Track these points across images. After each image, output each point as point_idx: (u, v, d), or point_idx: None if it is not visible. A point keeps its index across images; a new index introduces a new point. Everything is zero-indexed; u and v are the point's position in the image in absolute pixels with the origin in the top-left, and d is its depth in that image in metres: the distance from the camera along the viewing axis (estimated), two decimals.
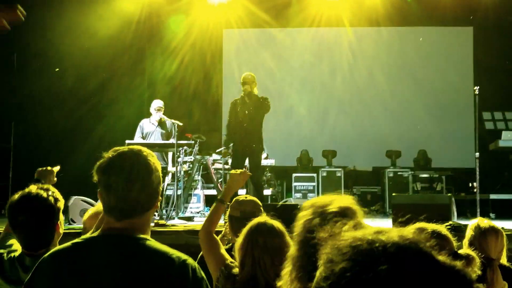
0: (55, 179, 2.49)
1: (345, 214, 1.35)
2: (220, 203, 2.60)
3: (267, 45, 10.74)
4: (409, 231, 0.60)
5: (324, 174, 9.00)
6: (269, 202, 7.48)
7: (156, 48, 10.23)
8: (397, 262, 0.55)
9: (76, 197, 5.83)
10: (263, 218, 2.17)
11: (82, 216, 5.74)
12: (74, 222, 5.70)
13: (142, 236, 1.39)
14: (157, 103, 7.10)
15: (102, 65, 8.87)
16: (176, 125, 6.64)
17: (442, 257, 0.57)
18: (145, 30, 9.90)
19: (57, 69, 8.44)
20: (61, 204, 2.08)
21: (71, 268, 1.34)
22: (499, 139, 8.51)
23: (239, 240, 2.12)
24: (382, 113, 10.36)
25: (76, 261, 1.35)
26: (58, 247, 1.43)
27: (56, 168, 2.52)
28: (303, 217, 1.39)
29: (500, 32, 9.85)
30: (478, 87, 6.36)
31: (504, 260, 2.55)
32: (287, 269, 1.35)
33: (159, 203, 1.49)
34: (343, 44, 10.48)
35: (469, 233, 2.63)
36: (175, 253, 1.38)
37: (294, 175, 9.05)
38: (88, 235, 1.50)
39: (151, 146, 6.46)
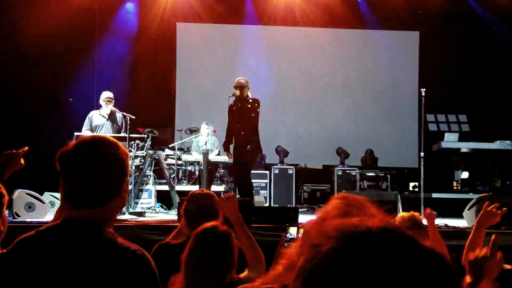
0: (23, 161, 2.37)
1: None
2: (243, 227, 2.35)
3: (222, 41, 10.72)
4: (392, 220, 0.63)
5: (276, 171, 9.11)
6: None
7: (108, 38, 9.95)
8: (382, 242, 0.58)
9: (20, 190, 5.59)
10: (211, 223, 2.07)
11: (27, 210, 5.53)
12: (19, 216, 5.47)
13: (100, 226, 1.38)
14: (106, 95, 6.89)
15: (52, 54, 8.55)
16: (128, 118, 6.51)
17: (424, 242, 0.60)
18: (97, 18, 9.63)
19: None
20: (5, 200, 2.00)
21: (33, 257, 1.36)
22: (441, 140, 8.94)
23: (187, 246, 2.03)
24: (334, 113, 10.60)
25: (37, 249, 1.37)
26: (24, 235, 1.41)
27: (24, 150, 2.39)
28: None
29: (444, 37, 10.33)
30: (425, 89, 6.60)
31: None
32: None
33: (126, 194, 1.47)
34: (298, 43, 10.64)
35: None
36: (128, 244, 1.38)
37: None
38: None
39: None
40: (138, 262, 1.35)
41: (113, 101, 6.86)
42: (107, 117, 6.89)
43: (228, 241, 1.98)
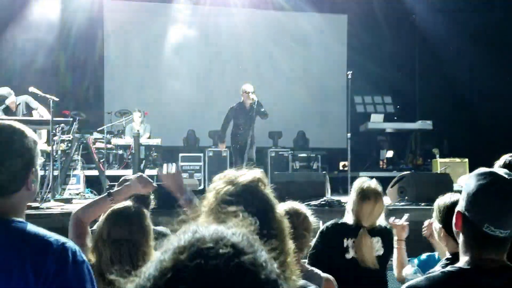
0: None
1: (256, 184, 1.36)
2: (108, 199, 2.17)
3: (150, 19, 10.42)
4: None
5: (210, 154, 9.09)
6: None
7: (27, 16, 9.32)
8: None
9: None
10: (124, 203, 2.01)
11: None
12: None
13: (13, 218, 1.32)
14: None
15: None
16: (51, 100, 6.19)
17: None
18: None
19: None
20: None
21: None
22: (368, 121, 9.33)
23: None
24: (266, 95, 10.68)
25: None
26: None
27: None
28: (215, 187, 1.37)
29: (371, 21, 10.69)
30: (351, 72, 6.81)
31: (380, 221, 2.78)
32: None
33: (33, 185, 1.40)
34: (228, 24, 10.57)
35: (352, 195, 2.76)
36: (52, 235, 1.32)
37: (180, 155, 9.02)
38: None
39: (23, 122, 5.96)
40: (65, 253, 1.28)
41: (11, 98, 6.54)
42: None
43: (140, 220, 1.94)
